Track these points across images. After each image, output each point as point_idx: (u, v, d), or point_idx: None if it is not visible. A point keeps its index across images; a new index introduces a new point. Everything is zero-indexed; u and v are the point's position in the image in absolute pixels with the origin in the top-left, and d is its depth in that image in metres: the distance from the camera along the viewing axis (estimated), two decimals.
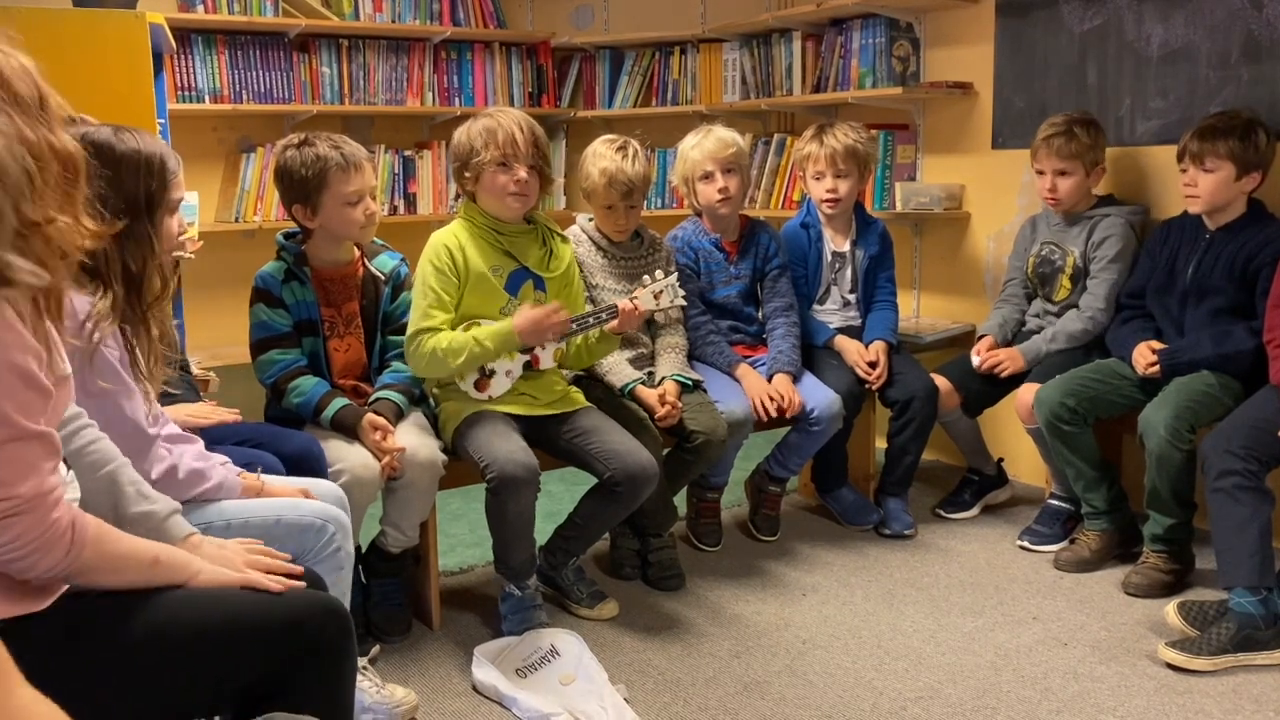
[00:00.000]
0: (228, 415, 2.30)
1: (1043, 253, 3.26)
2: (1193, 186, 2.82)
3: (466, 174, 2.56)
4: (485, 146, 2.50)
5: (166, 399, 2.16)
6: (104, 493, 1.54)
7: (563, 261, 2.69)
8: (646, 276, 2.69)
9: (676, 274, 2.73)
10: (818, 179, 3.28)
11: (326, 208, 2.46)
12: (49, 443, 1.30)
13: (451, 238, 2.56)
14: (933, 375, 3.24)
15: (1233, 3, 3.06)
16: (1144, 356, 2.84)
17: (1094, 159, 3.11)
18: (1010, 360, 3.15)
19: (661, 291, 2.64)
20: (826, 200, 3.27)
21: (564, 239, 2.74)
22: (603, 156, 2.85)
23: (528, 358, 2.60)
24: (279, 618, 1.45)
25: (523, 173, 2.53)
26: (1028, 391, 3.03)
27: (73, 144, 1.28)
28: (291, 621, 1.45)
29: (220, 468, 1.90)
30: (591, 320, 2.61)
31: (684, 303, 2.74)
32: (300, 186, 2.45)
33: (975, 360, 3.21)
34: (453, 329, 2.52)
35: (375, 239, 2.68)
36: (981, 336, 3.30)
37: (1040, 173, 3.18)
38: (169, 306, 1.82)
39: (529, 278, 2.62)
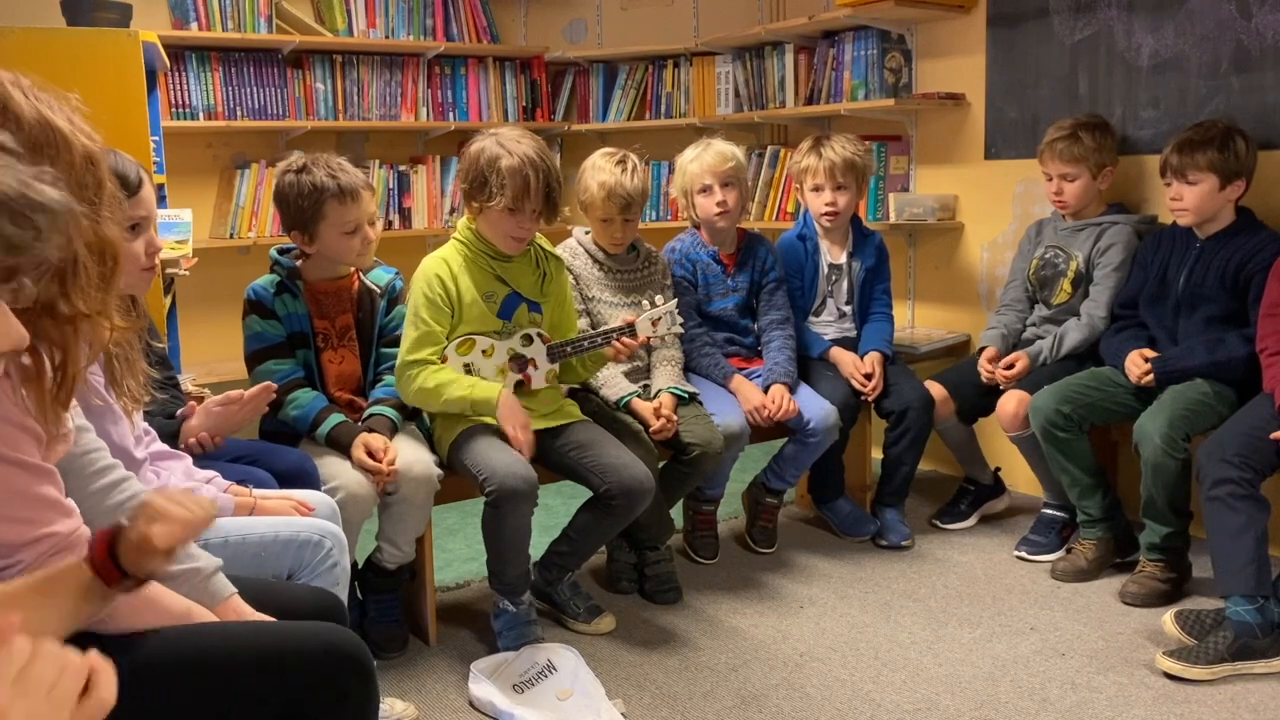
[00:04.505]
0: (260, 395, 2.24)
1: (1046, 256, 3.26)
2: (1179, 200, 2.84)
3: (474, 204, 2.54)
4: (500, 189, 2.45)
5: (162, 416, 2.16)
6: None
7: (557, 284, 2.69)
8: (645, 301, 2.68)
9: (676, 301, 2.73)
10: (816, 191, 3.28)
11: (324, 236, 2.46)
12: (59, 480, 1.30)
13: (443, 266, 2.54)
14: (927, 382, 3.24)
15: (1222, 13, 3.08)
16: (1136, 365, 2.84)
17: (1100, 161, 3.12)
18: (1021, 364, 3.11)
19: (659, 319, 2.63)
20: (826, 213, 3.27)
21: (558, 259, 2.74)
22: (601, 170, 2.85)
23: (519, 377, 2.59)
24: (295, 654, 1.41)
25: (528, 223, 2.52)
26: (1010, 399, 3.03)
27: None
28: (309, 661, 1.40)
29: (208, 486, 1.89)
30: (586, 344, 2.61)
31: (681, 330, 2.72)
32: (298, 214, 2.45)
33: (985, 375, 3.17)
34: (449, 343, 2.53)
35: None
36: (983, 347, 3.27)
37: (1048, 177, 3.19)
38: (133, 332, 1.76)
39: (522, 302, 2.61)
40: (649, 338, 2.64)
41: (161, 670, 1.35)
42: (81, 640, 1.33)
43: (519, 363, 2.60)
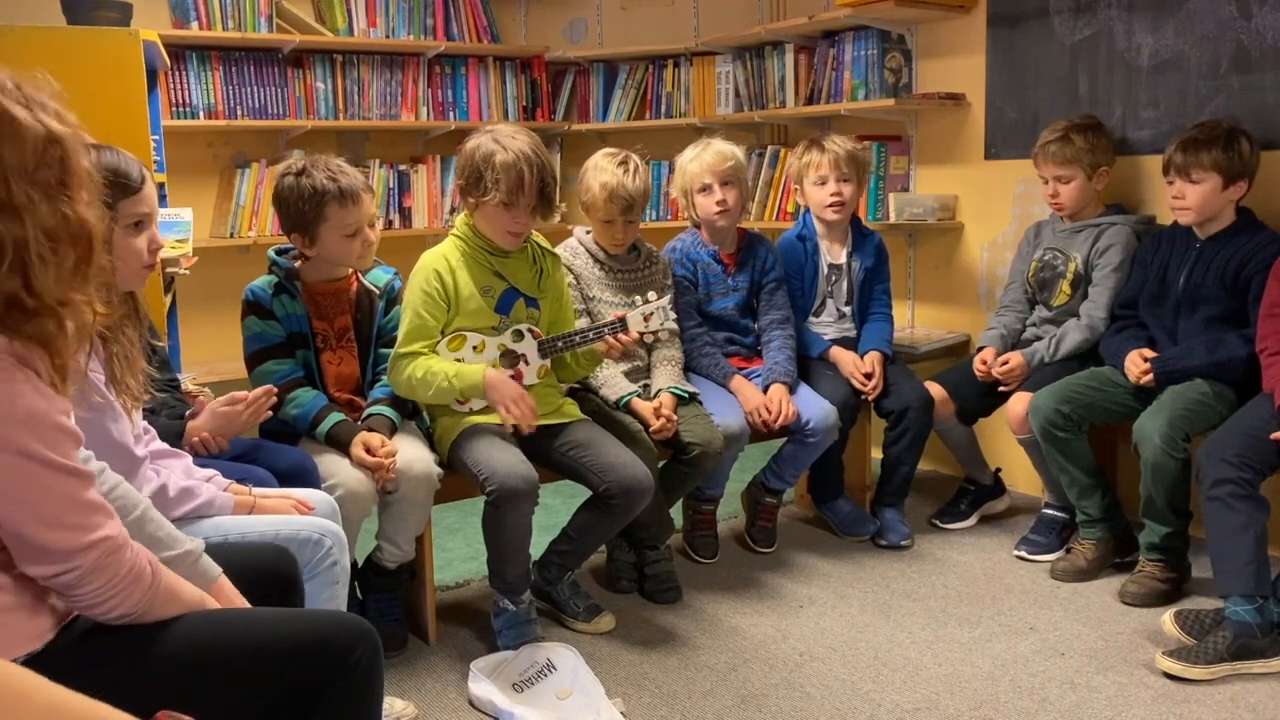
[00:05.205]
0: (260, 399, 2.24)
1: (1045, 258, 3.26)
2: (1181, 199, 2.84)
3: (469, 200, 2.54)
4: (495, 184, 2.45)
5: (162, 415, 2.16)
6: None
7: (554, 280, 2.69)
8: (638, 297, 2.68)
9: (670, 297, 2.72)
10: (820, 184, 3.26)
11: (324, 239, 2.46)
12: (96, 481, 1.31)
13: (442, 260, 2.55)
14: (927, 383, 3.24)
15: (1222, 13, 3.08)
16: (1136, 365, 2.84)
17: (1094, 162, 3.11)
18: (1018, 365, 3.11)
19: (652, 314, 2.61)
20: (831, 204, 3.25)
21: (555, 256, 2.74)
22: (603, 170, 2.85)
23: (511, 372, 2.59)
24: (308, 637, 1.44)
25: (524, 218, 2.52)
26: (1019, 401, 3.03)
27: (89, 215, 1.24)
28: (320, 641, 1.44)
29: (208, 484, 1.89)
30: (577, 339, 2.60)
31: (674, 326, 2.71)
32: (298, 217, 2.45)
33: (979, 370, 3.17)
34: (443, 335, 2.54)
35: None
36: (981, 348, 3.27)
37: (1043, 180, 3.19)
38: (130, 326, 1.76)
39: (520, 297, 2.62)
40: (641, 333, 2.62)
41: (190, 657, 1.38)
42: (120, 631, 1.35)
43: (510, 358, 2.60)
